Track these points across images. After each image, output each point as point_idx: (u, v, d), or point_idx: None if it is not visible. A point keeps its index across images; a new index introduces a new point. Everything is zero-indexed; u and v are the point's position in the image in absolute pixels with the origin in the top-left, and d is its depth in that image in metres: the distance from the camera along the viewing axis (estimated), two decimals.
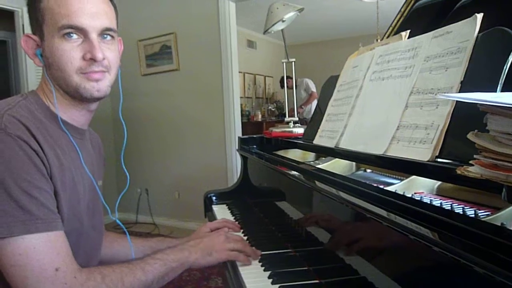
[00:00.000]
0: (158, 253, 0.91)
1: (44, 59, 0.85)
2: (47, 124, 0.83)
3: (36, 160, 0.75)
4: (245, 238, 1.19)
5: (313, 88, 6.67)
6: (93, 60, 0.82)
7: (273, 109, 7.63)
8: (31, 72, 3.40)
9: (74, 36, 0.81)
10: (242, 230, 1.28)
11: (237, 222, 1.34)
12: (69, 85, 0.84)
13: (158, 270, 0.86)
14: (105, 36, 0.86)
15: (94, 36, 0.82)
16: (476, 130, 0.52)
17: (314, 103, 6.50)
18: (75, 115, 0.90)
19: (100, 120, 3.26)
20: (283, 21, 1.62)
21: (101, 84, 0.85)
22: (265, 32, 1.72)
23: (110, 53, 0.86)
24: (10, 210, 0.70)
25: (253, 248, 1.05)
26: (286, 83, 2.02)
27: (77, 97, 0.86)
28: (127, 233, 1.04)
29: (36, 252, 0.72)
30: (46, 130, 0.81)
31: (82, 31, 0.81)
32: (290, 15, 1.60)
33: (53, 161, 0.79)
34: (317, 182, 0.96)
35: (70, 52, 0.81)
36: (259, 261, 1.01)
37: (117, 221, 0.98)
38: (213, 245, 0.98)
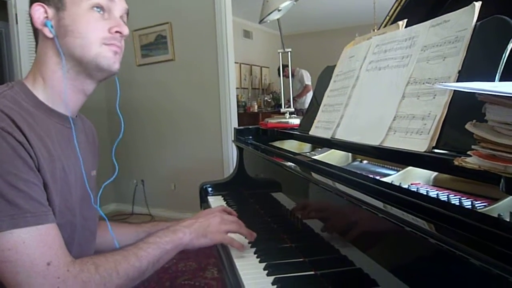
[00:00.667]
0: (151, 236, 0.89)
1: (59, 28, 0.84)
2: (35, 113, 0.81)
3: (21, 152, 0.73)
4: None
5: (307, 80, 6.66)
6: (119, 33, 0.87)
7: (269, 100, 7.61)
8: (25, 62, 3.36)
9: (101, 11, 0.85)
10: None
11: None
12: (86, 54, 0.84)
13: (152, 254, 0.85)
14: (125, 16, 0.92)
15: (118, 14, 0.89)
16: (474, 120, 0.51)
17: (308, 95, 6.50)
18: (71, 99, 0.88)
19: (95, 111, 3.23)
20: (279, 10, 1.60)
21: (117, 58, 0.88)
22: (261, 21, 1.70)
23: (127, 29, 0.91)
24: None
25: (249, 230, 1.03)
26: (283, 72, 2.00)
27: (90, 68, 0.86)
28: (107, 222, 1.01)
29: (26, 247, 0.70)
30: (33, 119, 0.79)
31: (110, 9, 0.87)
32: (285, 4, 1.58)
33: (40, 152, 0.77)
34: (313, 174, 0.95)
35: (97, 23, 0.85)
36: (255, 253, 1.01)
37: (98, 208, 0.97)
38: (208, 226, 0.96)
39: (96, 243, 1.04)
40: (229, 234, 0.99)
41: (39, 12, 0.84)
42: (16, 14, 3.24)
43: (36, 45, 0.89)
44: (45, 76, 0.86)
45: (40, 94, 0.85)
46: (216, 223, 0.98)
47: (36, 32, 0.88)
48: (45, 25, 0.84)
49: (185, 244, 0.92)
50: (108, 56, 0.86)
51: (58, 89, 0.86)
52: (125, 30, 0.88)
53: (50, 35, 0.84)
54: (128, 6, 0.93)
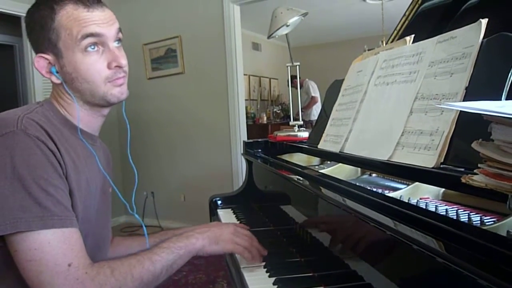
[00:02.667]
0: (164, 242, 0.92)
1: (65, 74, 0.88)
2: (62, 129, 0.87)
3: (53, 160, 0.78)
4: None
5: (314, 92, 6.66)
6: (118, 67, 0.88)
7: (278, 111, 7.62)
8: (37, 76, 3.43)
9: (95, 48, 0.86)
10: None
11: None
12: (95, 95, 0.89)
13: (165, 259, 0.87)
14: (118, 42, 0.91)
15: (112, 44, 0.88)
16: (480, 139, 0.52)
17: (315, 107, 6.51)
18: (91, 122, 0.95)
19: (106, 123, 3.29)
20: (287, 25, 1.62)
21: (123, 87, 0.92)
22: (269, 37, 1.72)
23: (124, 58, 0.91)
24: (28, 206, 0.73)
25: (260, 246, 1.04)
26: (292, 83, 2.01)
27: (102, 104, 0.91)
28: (143, 225, 1.07)
29: (51, 247, 0.74)
30: (61, 135, 0.85)
31: (101, 39, 0.86)
32: (294, 19, 1.60)
33: (68, 162, 0.82)
34: (322, 189, 0.96)
35: (96, 64, 0.86)
36: (264, 267, 1.01)
37: (136, 216, 1.00)
38: (221, 234, 0.98)
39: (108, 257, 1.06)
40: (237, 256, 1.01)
41: (41, 62, 0.88)
42: None
43: None
44: (64, 105, 0.91)
45: (67, 114, 0.91)
46: (229, 232, 1.00)
47: None
48: (51, 72, 0.88)
49: (197, 249, 0.94)
50: (114, 93, 0.90)
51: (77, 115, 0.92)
52: (123, 62, 0.89)
53: (57, 82, 0.89)
54: (118, 25, 0.91)
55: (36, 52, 0.88)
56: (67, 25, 0.84)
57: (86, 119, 0.93)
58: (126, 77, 0.92)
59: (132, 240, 1.16)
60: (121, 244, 1.15)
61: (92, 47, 0.86)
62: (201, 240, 0.95)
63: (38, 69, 0.89)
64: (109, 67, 0.88)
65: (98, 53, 0.87)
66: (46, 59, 0.88)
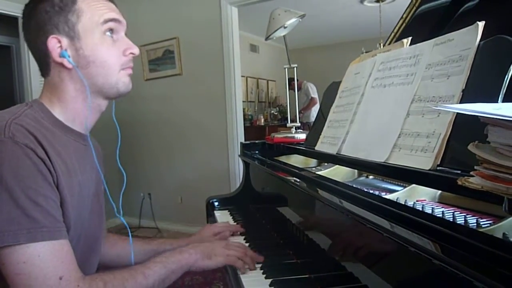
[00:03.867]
0: (157, 256, 0.92)
1: (79, 58, 0.85)
2: (53, 130, 0.84)
3: (42, 168, 0.75)
4: (247, 244, 1.19)
5: (313, 93, 6.68)
6: (132, 55, 0.90)
7: (276, 113, 7.62)
8: (34, 77, 3.42)
9: (111, 35, 0.87)
10: (244, 237, 1.28)
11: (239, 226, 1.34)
12: (108, 81, 0.88)
13: (158, 273, 0.87)
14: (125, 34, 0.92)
15: (123, 34, 0.90)
16: (476, 141, 0.52)
17: (314, 109, 6.51)
18: (88, 118, 0.91)
19: (100, 123, 3.28)
20: (284, 27, 1.62)
21: (130, 80, 0.92)
22: (267, 38, 1.72)
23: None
24: (16, 218, 0.71)
25: (254, 254, 1.05)
26: (290, 85, 2.01)
27: (109, 93, 0.89)
28: (130, 235, 1.04)
29: (40, 260, 0.72)
30: (52, 136, 0.82)
31: (118, 26, 0.88)
32: (291, 21, 1.61)
33: (60, 168, 0.79)
34: (318, 190, 0.96)
35: (113, 48, 0.87)
36: (261, 268, 1.01)
37: (122, 219, 0.98)
38: (213, 248, 1.00)
39: (108, 258, 1.08)
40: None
41: (53, 43, 0.83)
42: None
43: (41, 69, 0.89)
44: (63, 100, 0.87)
45: (56, 113, 0.87)
46: (221, 246, 1.02)
47: (38, 58, 0.88)
48: (62, 56, 0.84)
49: (190, 264, 0.94)
50: (125, 81, 0.90)
51: (76, 111, 0.89)
52: (137, 50, 0.91)
53: (69, 66, 0.85)
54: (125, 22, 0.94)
55: (47, 35, 0.83)
56: (89, 9, 0.84)
57: (84, 114, 0.89)
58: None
59: (127, 241, 1.14)
60: (117, 245, 1.14)
61: (110, 33, 0.87)
62: (194, 255, 0.95)
63: (50, 50, 0.84)
64: (124, 54, 0.88)
65: (113, 40, 0.87)
66: (59, 41, 0.84)
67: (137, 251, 1.09)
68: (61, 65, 0.85)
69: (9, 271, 0.71)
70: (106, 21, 0.85)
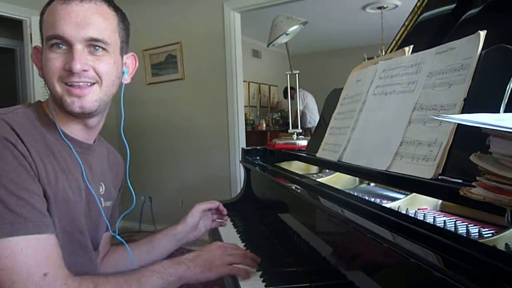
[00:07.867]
0: (155, 265, 0.88)
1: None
2: (46, 134, 0.83)
3: (24, 162, 0.74)
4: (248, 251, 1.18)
5: (301, 104, 6.56)
6: (69, 71, 0.81)
7: (278, 118, 7.62)
8: (37, 80, 3.43)
9: (62, 46, 0.81)
10: (244, 244, 1.27)
11: (238, 236, 1.33)
12: (55, 95, 0.84)
13: (154, 283, 0.83)
14: (96, 47, 0.84)
15: (78, 47, 0.81)
16: (478, 152, 0.51)
17: (309, 115, 6.47)
18: (75, 130, 0.89)
19: (105, 130, 3.30)
20: (287, 34, 1.63)
21: (84, 100, 0.83)
22: (269, 45, 1.72)
23: (99, 64, 0.84)
24: None
25: (253, 255, 1.02)
26: (290, 94, 2.02)
27: (65, 108, 0.84)
28: (127, 246, 1.04)
29: (24, 255, 0.70)
30: (43, 138, 0.81)
31: (66, 41, 0.81)
32: (293, 28, 1.61)
33: (40, 166, 0.77)
34: (319, 198, 0.95)
35: (53, 61, 0.82)
36: (260, 276, 1.00)
37: (117, 237, 0.97)
38: (213, 260, 0.95)
39: (103, 264, 1.06)
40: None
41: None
42: (30, 34, 3.32)
43: None
44: (51, 108, 0.88)
45: (54, 116, 0.87)
46: (220, 255, 0.97)
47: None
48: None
49: (188, 277, 0.90)
50: (68, 101, 0.83)
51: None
52: (75, 66, 0.80)
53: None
54: (97, 36, 0.83)
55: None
56: (45, 20, 0.84)
57: (70, 126, 0.88)
58: (95, 85, 0.85)
59: (133, 249, 1.12)
60: (116, 251, 1.13)
61: (59, 46, 0.81)
62: (193, 268, 0.90)
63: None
64: (64, 68, 0.81)
65: (61, 52, 0.82)
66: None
67: (138, 253, 1.09)
68: None
69: None
70: (49, 38, 0.82)
